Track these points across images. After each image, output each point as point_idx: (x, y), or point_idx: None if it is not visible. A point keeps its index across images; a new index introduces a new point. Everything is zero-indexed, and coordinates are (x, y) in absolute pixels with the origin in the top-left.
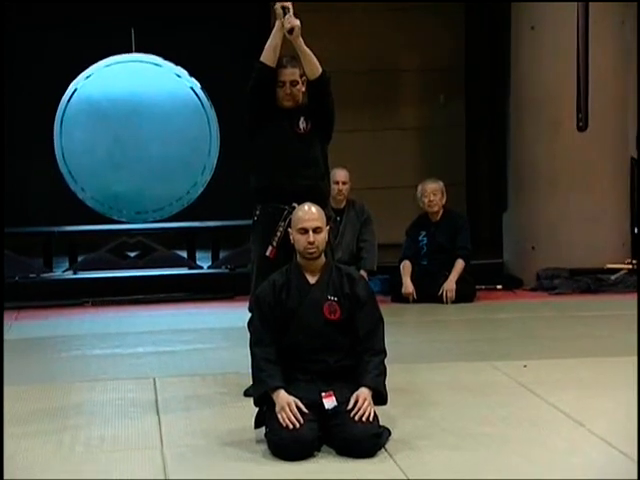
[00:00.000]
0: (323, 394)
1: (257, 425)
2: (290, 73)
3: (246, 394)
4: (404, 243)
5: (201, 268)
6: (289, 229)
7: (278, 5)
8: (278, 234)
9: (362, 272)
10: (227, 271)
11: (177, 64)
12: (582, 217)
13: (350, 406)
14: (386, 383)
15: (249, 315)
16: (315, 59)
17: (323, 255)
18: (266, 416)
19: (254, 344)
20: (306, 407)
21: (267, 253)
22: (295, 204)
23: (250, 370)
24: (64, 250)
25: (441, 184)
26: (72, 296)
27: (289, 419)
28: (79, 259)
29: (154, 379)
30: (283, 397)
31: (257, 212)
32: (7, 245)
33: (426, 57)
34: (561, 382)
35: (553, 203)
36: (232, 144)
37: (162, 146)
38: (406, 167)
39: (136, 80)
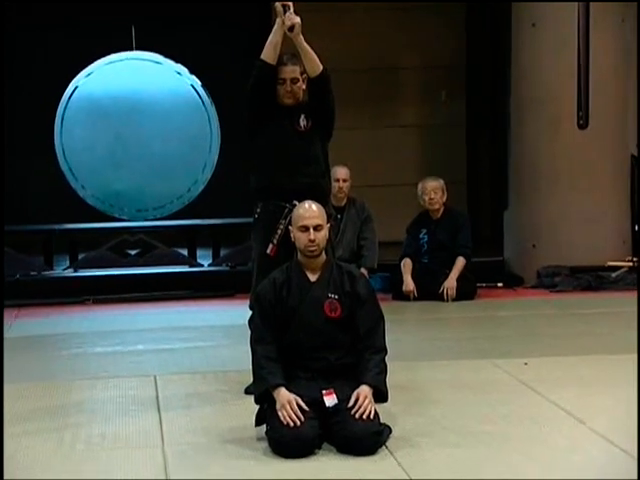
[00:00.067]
0: (324, 392)
1: (258, 423)
2: (290, 71)
3: (247, 392)
4: (405, 241)
5: (202, 266)
6: (290, 227)
7: (278, 3)
8: (279, 232)
9: (363, 270)
10: (228, 269)
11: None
12: (582, 215)
13: (351, 404)
14: (387, 381)
15: (250, 313)
16: (315, 56)
17: (324, 253)
18: (267, 414)
19: (255, 342)
20: (307, 405)
21: (268, 251)
22: (296, 202)
23: (251, 368)
24: (65, 248)
25: (442, 182)
26: (73, 294)
27: (290, 417)
28: (80, 257)
29: (155, 377)
30: (284, 395)
31: (258, 210)
32: (7, 243)
33: (427, 56)
34: (562, 380)
35: (554, 201)
36: (233, 142)
37: (163, 144)
38: (407, 165)
39: (137, 78)
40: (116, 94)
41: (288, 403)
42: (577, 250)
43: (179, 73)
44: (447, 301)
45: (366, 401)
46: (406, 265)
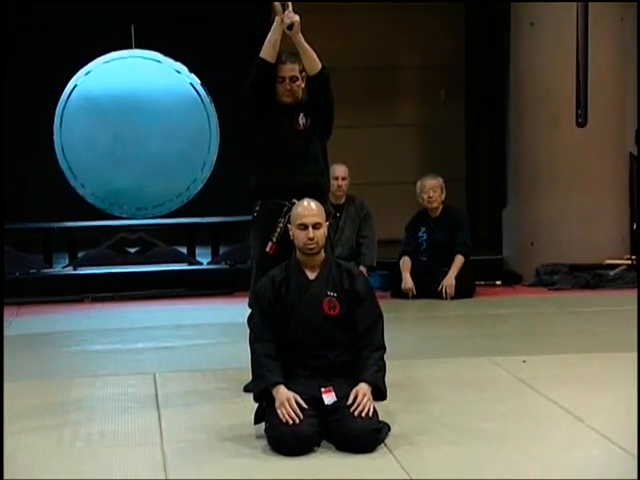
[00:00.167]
0: (323, 390)
1: (257, 421)
2: (290, 69)
3: (246, 390)
4: (404, 239)
5: (201, 264)
6: (289, 225)
7: (277, 2)
8: (278, 230)
9: (362, 268)
10: (227, 267)
11: None
12: (581, 213)
13: (350, 402)
14: (385, 379)
15: (249, 311)
16: (315, 55)
17: (323, 251)
18: (266, 412)
19: (254, 340)
20: (306, 403)
21: (267, 249)
22: (295, 200)
23: (250, 366)
24: (64, 246)
25: (440, 180)
26: (72, 292)
27: (289, 415)
28: (79, 255)
29: (154, 375)
30: (283, 393)
31: (257, 208)
32: (7, 241)
33: (426, 55)
34: (561, 378)
35: (552, 199)
36: (232, 140)
37: (162, 142)
38: (406, 163)
39: (136, 76)
40: (115, 92)
41: (287, 401)
42: (576, 248)
43: (178, 72)
44: (446, 299)
45: (365, 399)
46: (405, 263)
